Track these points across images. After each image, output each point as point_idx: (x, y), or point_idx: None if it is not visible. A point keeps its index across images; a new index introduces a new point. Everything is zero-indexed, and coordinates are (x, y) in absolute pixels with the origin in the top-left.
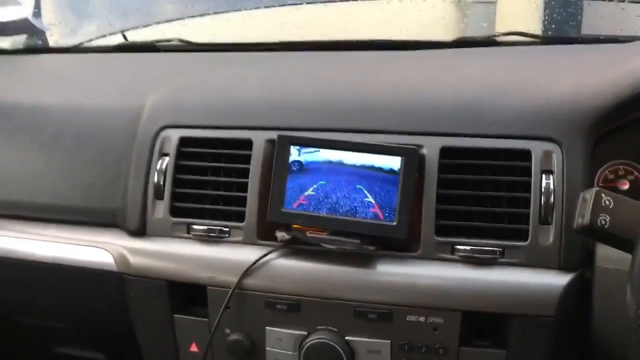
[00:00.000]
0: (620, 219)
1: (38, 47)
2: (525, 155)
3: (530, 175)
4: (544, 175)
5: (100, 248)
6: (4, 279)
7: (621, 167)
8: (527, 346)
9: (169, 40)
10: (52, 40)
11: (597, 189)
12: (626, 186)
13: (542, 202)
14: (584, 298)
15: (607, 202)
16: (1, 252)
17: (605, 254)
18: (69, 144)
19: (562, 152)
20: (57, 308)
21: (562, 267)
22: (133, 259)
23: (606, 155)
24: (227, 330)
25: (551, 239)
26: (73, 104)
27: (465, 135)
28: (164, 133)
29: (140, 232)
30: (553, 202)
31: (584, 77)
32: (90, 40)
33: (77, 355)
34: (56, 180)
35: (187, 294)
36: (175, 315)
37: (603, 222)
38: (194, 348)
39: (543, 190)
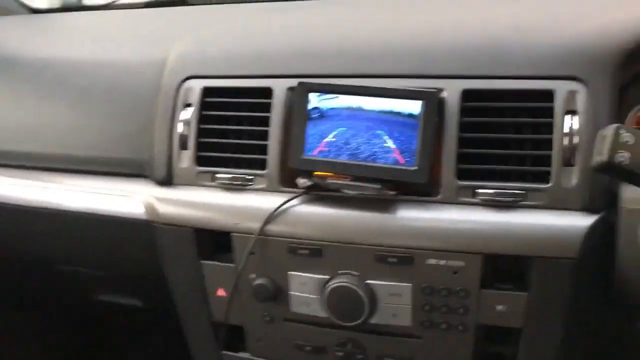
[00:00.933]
0: None
1: (72, 5)
2: (549, 95)
3: (553, 116)
4: (568, 116)
5: (131, 197)
6: (42, 230)
7: None
8: (549, 288)
9: None
10: None
11: (617, 125)
12: None
13: (566, 143)
14: (608, 240)
15: (627, 138)
16: (38, 204)
17: (631, 194)
18: (98, 98)
19: (587, 91)
20: (93, 257)
21: (586, 209)
22: (161, 208)
23: (638, 97)
24: (253, 275)
25: (574, 181)
26: (102, 58)
27: (487, 77)
28: (187, 84)
29: (167, 181)
30: (577, 143)
31: (613, 13)
32: None
33: (116, 302)
34: (87, 132)
35: (213, 241)
36: (203, 262)
37: (621, 158)
38: (221, 292)
39: (567, 131)
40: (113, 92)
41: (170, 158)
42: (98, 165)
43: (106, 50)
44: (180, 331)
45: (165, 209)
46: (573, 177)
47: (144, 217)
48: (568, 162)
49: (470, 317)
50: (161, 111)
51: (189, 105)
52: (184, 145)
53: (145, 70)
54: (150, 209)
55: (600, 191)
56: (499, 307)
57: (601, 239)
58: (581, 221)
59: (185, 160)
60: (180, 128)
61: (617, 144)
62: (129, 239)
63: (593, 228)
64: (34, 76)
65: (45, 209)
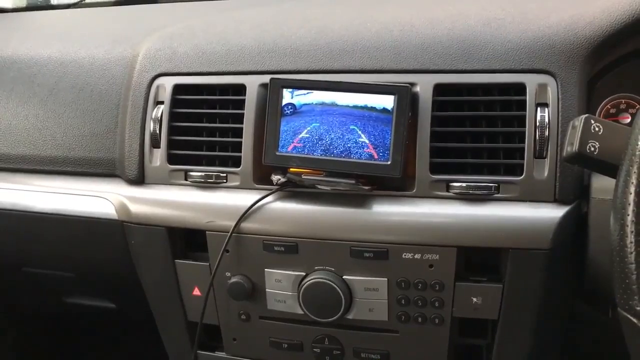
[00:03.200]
0: (610, 145)
1: (39, 4)
2: (520, 88)
3: (525, 109)
4: (539, 109)
5: (101, 197)
6: (9, 231)
7: (622, 100)
8: (523, 279)
9: None
10: None
11: (587, 115)
12: (628, 120)
13: (537, 135)
14: (580, 231)
15: (597, 128)
16: (5, 205)
17: (601, 185)
18: (66, 96)
19: (557, 84)
20: (63, 258)
21: (558, 200)
22: (133, 207)
23: (608, 89)
24: (228, 274)
25: (546, 173)
26: (70, 57)
27: (459, 72)
28: (158, 81)
29: (139, 180)
30: (548, 136)
31: (581, 7)
32: None
33: (88, 304)
34: (56, 132)
35: (187, 240)
36: (177, 261)
37: (592, 148)
38: (196, 292)
39: (538, 123)
40: (82, 90)
41: (141, 157)
42: (67, 165)
43: (74, 48)
44: (155, 332)
45: (137, 209)
46: (545, 169)
47: (115, 217)
48: (539, 154)
49: (446, 310)
50: (131, 109)
51: (160, 103)
52: (155, 144)
53: (114, 68)
54: (121, 208)
55: (572, 182)
56: (474, 300)
57: (573, 229)
58: (553, 212)
59: (157, 158)
60: (151, 126)
61: (587, 134)
62: (100, 239)
63: (565, 219)
64: None
65: (14, 210)
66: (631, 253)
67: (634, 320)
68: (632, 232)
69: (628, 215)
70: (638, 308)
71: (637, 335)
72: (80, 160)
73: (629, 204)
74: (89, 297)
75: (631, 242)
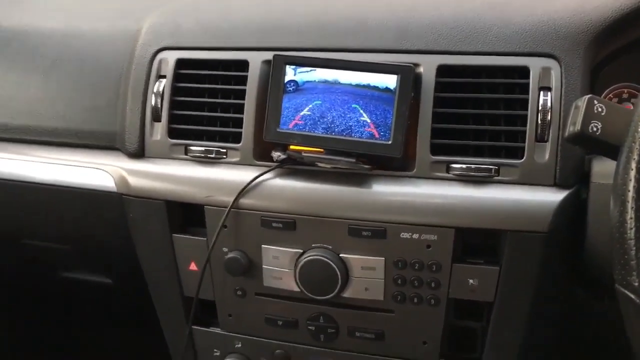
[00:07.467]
0: (612, 125)
1: None
2: (524, 72)
3: (528, 92)
4: (541, 92)
5: (101, 170)
6: (8, 202)
7: (625, 90)
8: (520, 262)
9: None
10: None
11: (590, 95)
12: (630, 109)
13: (539, 119)
14: (580, 215)
15: (600, 109)
16: (4, 175)
17: (602, 169)
18: (68, 68)
19: (561, 68)
20: (61, 230)
21: (557, 184)
22: (132, 180)
23: (611, 78)
24: (225, 249)
25: (547, 157)
26: (73, 29)
27: (463, 53)
28: (160, 55)
29: (139, 154)
30: (550, 119)
31: None
32: None
33: (84, 279)
34: (57, 103)
35: (185, 214)
36: (174, 235)
37: (595, 129)
38: (193, 267)
39: (540, 107)
40: (84, 63)
41: (142, 130)
42: (68, 136)
43: (78, 21)
44: (151, 308)
45: (137, 182)
46: (545, 153)
47: (114, 189)
48: (541, 138)
49: (442, 291)
50: (133, 83)
51: (162, 77)
52: (156, 118)
53: (117, 41)
54: (121, 181)
55: (572, 167)
56: (470, 281)
57: (572, 214)
58: (552, 196)
59: (157, 132)
60: (152, 100)
61: (590, 115)
62: (99, 212)
63: (564, 203)
64: (1, 47)
65: (13, 180)
66: (631, 229)
67: (632, 296)
68: (632, 208)
69: (629, 191)
70: (636, 284)
71: (634, 310)
72: (81, 132)
73: (630, 180)
74: (85, 272)
75: (631, 218)
